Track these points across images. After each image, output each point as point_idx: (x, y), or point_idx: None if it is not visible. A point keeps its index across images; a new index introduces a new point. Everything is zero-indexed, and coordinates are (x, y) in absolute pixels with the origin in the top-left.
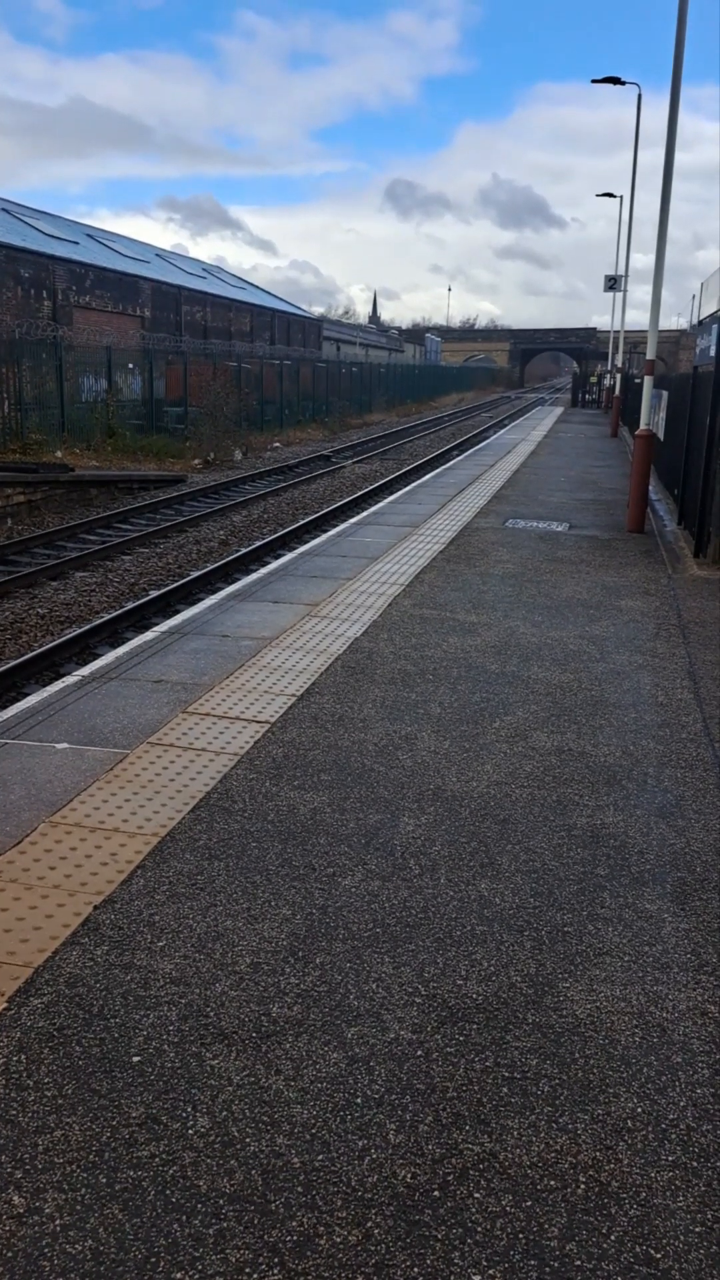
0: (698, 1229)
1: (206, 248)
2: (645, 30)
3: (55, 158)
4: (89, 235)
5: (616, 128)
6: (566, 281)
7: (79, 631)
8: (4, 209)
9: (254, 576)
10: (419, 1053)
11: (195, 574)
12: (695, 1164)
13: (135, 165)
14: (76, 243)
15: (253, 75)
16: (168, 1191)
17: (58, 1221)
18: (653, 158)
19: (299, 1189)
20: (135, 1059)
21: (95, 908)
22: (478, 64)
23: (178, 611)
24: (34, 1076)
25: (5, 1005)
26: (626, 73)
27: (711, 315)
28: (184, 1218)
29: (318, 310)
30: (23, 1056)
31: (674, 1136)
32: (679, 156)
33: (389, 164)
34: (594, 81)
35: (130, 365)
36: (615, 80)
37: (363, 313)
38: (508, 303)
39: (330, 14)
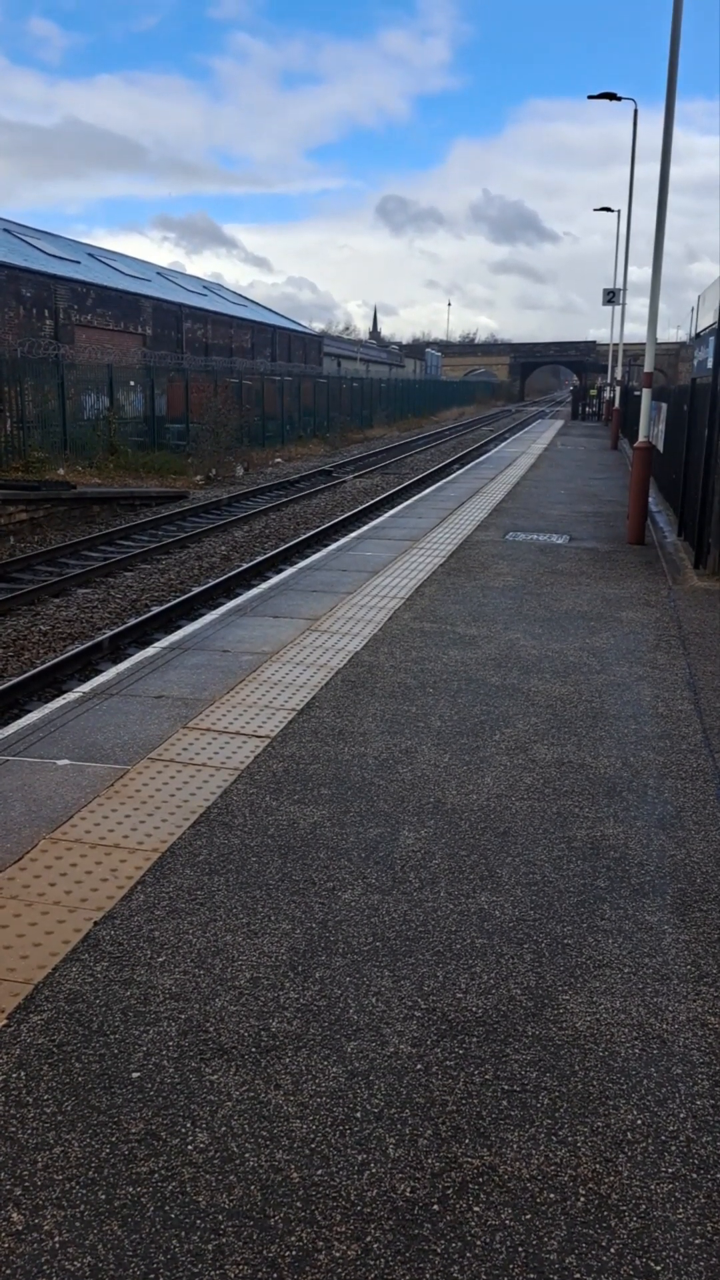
0: (698, 1241)
1: (202, 265)
2: (635, 47)
3: (52, 178)
4: (90, 255)
5: (608, 143)
6: (562, 295)
7: (81, 648)
8: (6, 229)
9: (255, 591)
10: (418, 1066)
11: (197, 590)
12: (695, 1175)
13: (132, 185)
14: (78, 262)
15: (247, 95)
16: (167, 1207)
17: (57, 1238)
18: (646, 172)
19: (298, 1204)
20: (135, 1075)
21: (95, 924)
22: (470, 81)
23: (179, 627)
24: (33, 1093)
25: (5, 1022)
26: (616, 89)
27: (708, 328)
28: (183, 1234)
29: (318, 326)
30: (22, 1073)
31: (674, 1148)
32: (672, 170)
33: (384, 181)
34: (590, 97)
35: (132, 383)
36: (612, 96)
37: (362, 328)
38: (505, 317)
39: (322, 34)
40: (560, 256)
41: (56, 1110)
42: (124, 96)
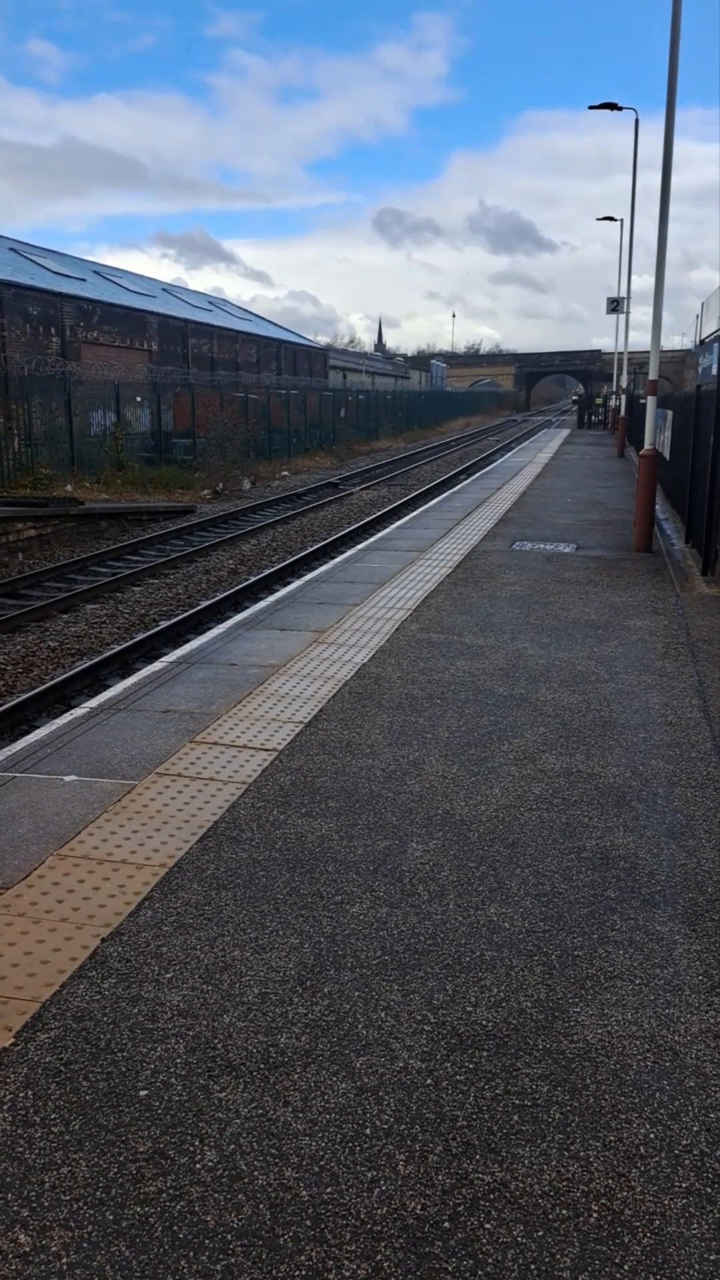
0: (713, 1256)
1: (202, 281)
2: (630, 58)
3: (52, 197)
4: (96, 272)
5: (604, 153)
6: (563, 305)
7: (89, 664)
8: (12, 249)
9: (262, 604)
10: (428, 1081)
11: (205, 603)
12: (710, 1190)
13: (133, 202)
14: (84, 280)
15: (245, 111)
16: (175, 1227)
17: (64, 1260)
18: (643, 181)
19: (308, 1222)
20: (142, 1093)
21: (103, 940)
22: (467, 94)
23: (187, 641)
24: (41, 1113)
25: (12, 1041)
26: (613, 99)
27: (712, 334)
28: (191, 1254)
29: (323, 340)
30: (29, 1093)
31: (687, 1162)
32: (672, 178)
33: (383, 195)
34: (591, 108)
35: (138, 398)
36: (613, 106)
37: (366, 340)
38: (507, 327)
39: (318, 49)
40: (560, 266)
41: (64, 1130)
42: (123, 115)
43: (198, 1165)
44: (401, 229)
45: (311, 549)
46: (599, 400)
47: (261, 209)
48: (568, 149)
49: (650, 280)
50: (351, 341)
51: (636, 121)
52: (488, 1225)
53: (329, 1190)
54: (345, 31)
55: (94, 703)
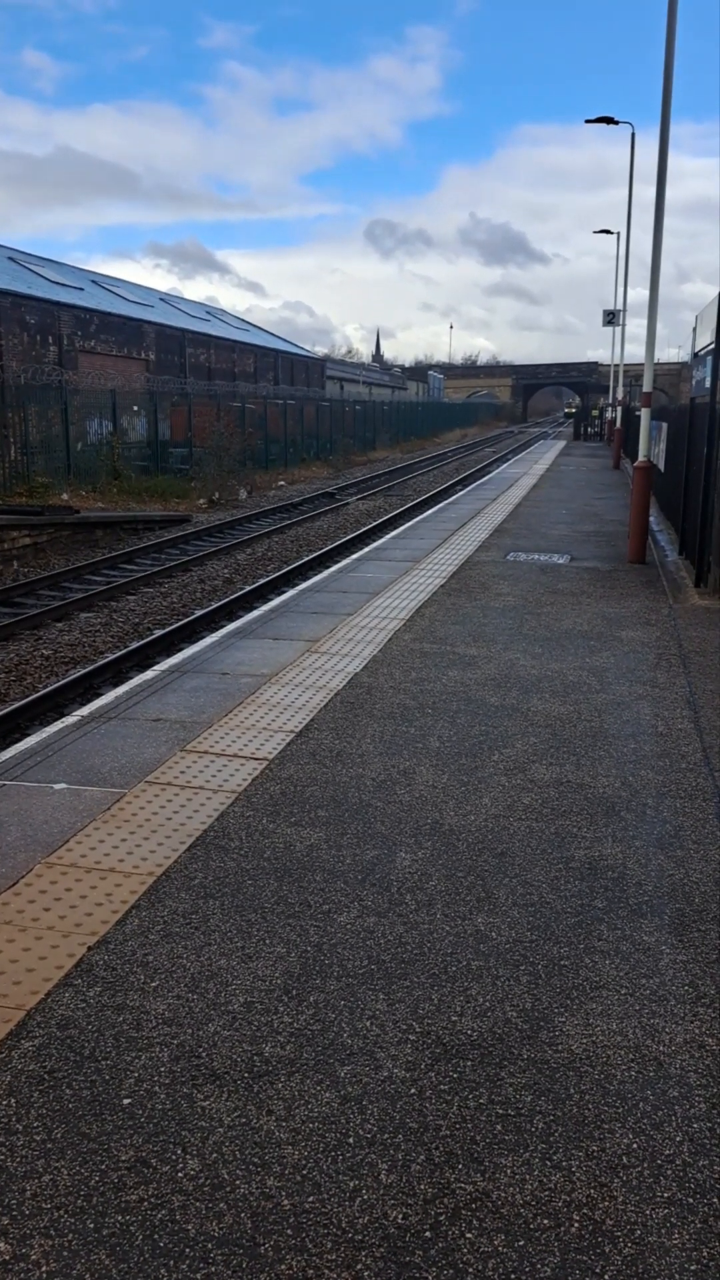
0: (693, 1266)
1: (195, 291)
2: (624, 71)
3: (46, 206)
4: (93, 281)
5: (598, 166)
6: (558, 317)
7: (83, 672)
8: (10, 258)
9: (255, 613)
10: (412, 1091)
11: (199, 612)
12: (691, 1200)
13: (127, 212)
14: (81, 289)
15: (240, 122)
16: (156, 1236)
17: (44, 1268)
18: (637, 193)
19: (289, 1231)
20: (126, 1101)
21: (89, 949)
22: (460, 107)
23: (180, 650)
24: (23, 1121)
25: None
26: (607, 113)
27: (705, 347)
28: (172, 1262)
29: (320, 350)
30: (12, 1100)
31: (670, 1172)
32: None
33: (378, 206)
34: (588, 121)
35: (135, 408)
36: (609, 120)
37: (363, 351)
38: (503, 339)
39: (313, 61)
40: (553, 278)
41: (46, 1138)
42: (117, 125)
43: (180, 1174)
44: (393, 240)
45: (306, 559)
46: (595, 412)
47: (256, 220)
48: (561, 162)
49: (645, 293)
50: (349, 352)
51: (633, 135)
52: (469, 1235)
53: (311, 1199)
54: (339, 44)
55: (85, 711)
